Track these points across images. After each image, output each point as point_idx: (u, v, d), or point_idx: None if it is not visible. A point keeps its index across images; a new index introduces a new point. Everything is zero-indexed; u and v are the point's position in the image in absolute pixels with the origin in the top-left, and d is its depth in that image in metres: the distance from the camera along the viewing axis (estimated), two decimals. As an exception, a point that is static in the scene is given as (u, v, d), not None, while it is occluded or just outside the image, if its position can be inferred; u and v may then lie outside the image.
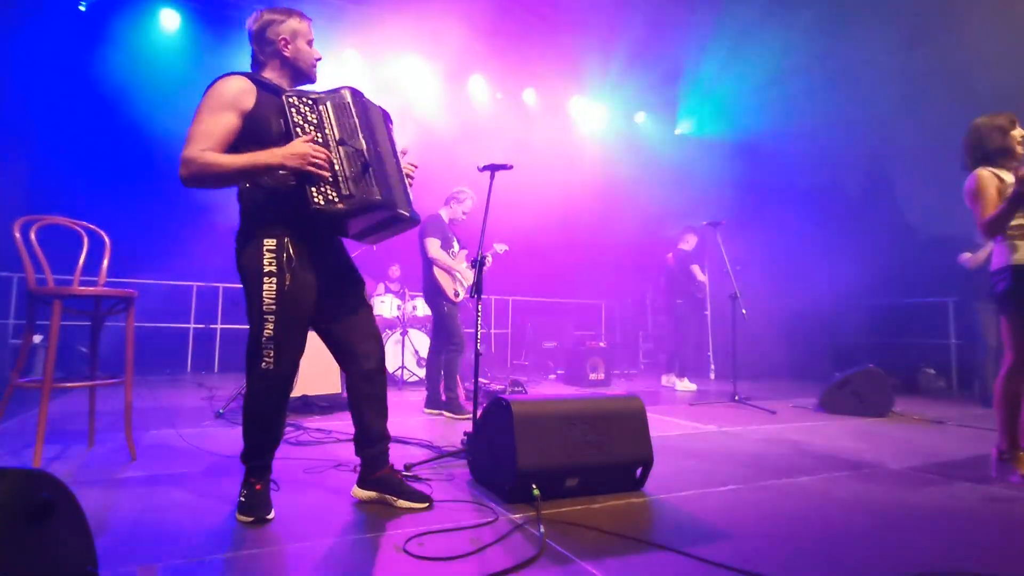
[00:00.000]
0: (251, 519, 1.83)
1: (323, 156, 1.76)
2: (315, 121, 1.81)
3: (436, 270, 4.12)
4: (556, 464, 2.11)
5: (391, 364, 5.65)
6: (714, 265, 6.36)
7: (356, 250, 5.25)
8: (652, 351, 8.82)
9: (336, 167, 1.79)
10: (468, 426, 3.09)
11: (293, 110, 1.79)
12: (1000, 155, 2.54)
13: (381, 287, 6.79)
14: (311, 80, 2.08)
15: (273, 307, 1.84)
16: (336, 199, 1.78)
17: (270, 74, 1.99)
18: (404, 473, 2.40)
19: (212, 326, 7.23)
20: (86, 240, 2.81)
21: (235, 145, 1.82)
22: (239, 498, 1.89)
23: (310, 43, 2.03)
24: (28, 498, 1.06)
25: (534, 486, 2.00)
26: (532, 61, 8.51)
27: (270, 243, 1.85)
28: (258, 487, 1.89)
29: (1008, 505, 2.20)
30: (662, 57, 8.29)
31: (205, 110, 1.80)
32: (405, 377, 5.90)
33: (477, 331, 2.88)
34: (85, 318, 2.75)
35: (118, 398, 3.04)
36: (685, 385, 6.16)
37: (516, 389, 4.89)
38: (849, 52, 7.25)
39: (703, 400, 5.26)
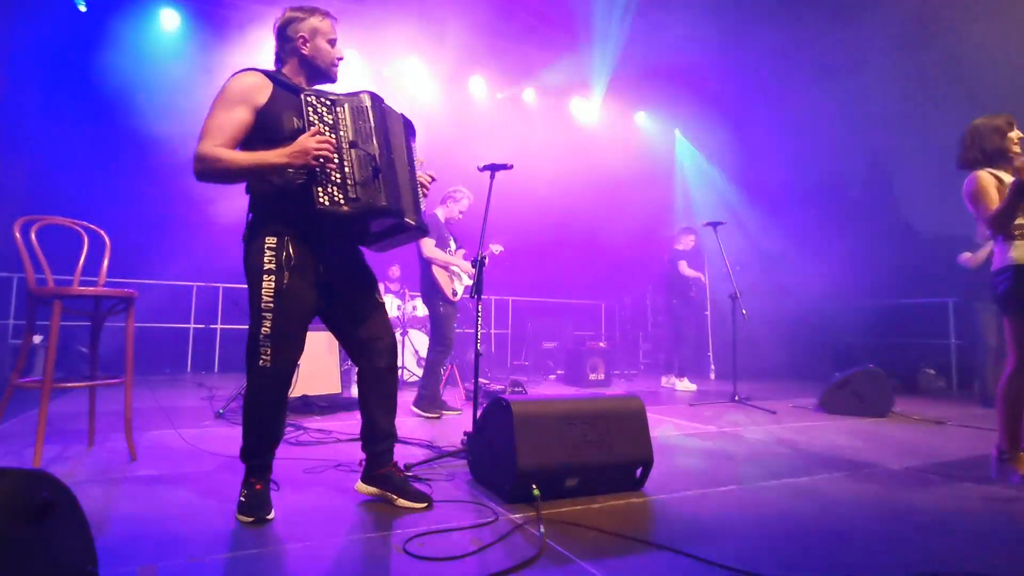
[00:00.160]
0: (251, 519, 1.83)
1: (328, 149, 1.75)
2: (331, 122, 1.81)
3: (434, 269, 4.12)
4: (556, 464, 2.11)
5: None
6: (714, 265, 6.36)
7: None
8: (652, 351, 8.82)
9: (346, 170, 1.78)
10: (467, 426, 3.09)
11: (310, 109, 1.79)
12: (998, 156, 2.54)
13: (381, 287, 6.79)
14: (330, 79, 2.07)
15: (271, 304, 1.85)
16: (342, 201, 1.77)
17: (289, 71, 2.00)
18: (404, 473, 2.40)
19: (212, 326, 7.23)
20: (86, 240, 2.81)
21: (246, 140, 1.83)
22: (240, 498, 1.89)
23: (331, 42, 2.02)
24: (28, 498, 1.06)
25: (534, 486, 2.00)
26: (532, 61, 8.51)
27: (271, 241, 1.86)
28: (258, 487, 1.89)
29: (1008, 505, 2.20)
30: (662, 57, 8.29)
31: (218, 105, 1.81)
32: (405, 377, 5.90)
33: (477, 331, 2.88)
34: (85, 318, 2.75)
35: (118, 398, 3.04)
36: (685, 385, 6.16)
37: (516, 389, 4.88)
38: (850, 52, 7.25)
39: (703, 400, 5.26)
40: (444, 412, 4.15)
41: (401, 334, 6.00)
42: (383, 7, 7.18)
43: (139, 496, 2.10)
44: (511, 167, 3.07)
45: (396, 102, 2.08)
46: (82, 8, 6.48)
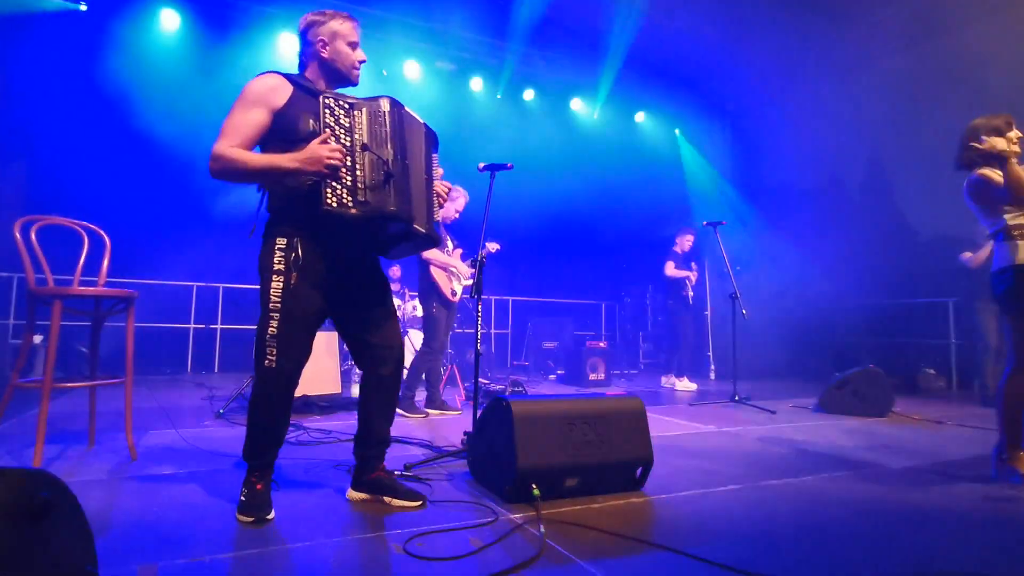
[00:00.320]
0: (251, 519, 1.83)
1: (339, 158, 1.74)
2: (347, 125, 1.80)
3: (433, 269, 4.12)
4: (556, 464, 2.11)
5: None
6: (714, 265, 6.36)
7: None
8: (652, 351, 8.82)
9: (357, 173, 1.78)
10: (467, 426, 3.09)
11: (327, 111, 1.78)
12: (996, 157, 2.54)
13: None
14: (351, 83, 2.07)
15: (278, 305, 1.85)
16: (350, 203, 1.77)
17: (311, 75, 2.02)
18: (404, 473, 2.40)
19: (212, 326, 7.23)
20: (86, 240, 2.81)
21: (264, 141, 1.86)
22: (240, 497, 1.89)
23: (352, 45, 2.02)
24: (28, 498, 1.06)
25: (534, 486, 2.00)
26: (532, 61, 8.51)
27: (281, 242, 1.87)
28: (259, 486, 1.90)
29: (1008, 505, 2.20)
30: (662, 57, 8.29)
31: (237, 106, 1.84)
32: (405, 377, 5.89)
33: (477, 331, 2.88)
34: (85, 318, 2.75)
35: (118, 398, 3.04)
36: (685, 385, 6.16)
37: (516, 389, 4.89)
38: (850, 51, 7.25)
39: (703, 400, 5.26)
40: (444, 412, 4.15)
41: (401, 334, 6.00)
42: (383, 7, 7.19)
43: (139, 496, 2.10)
44: (511, 167, 3.07)
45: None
46: (82, 7, 6.48)
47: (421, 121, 2.03)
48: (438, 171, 2.11)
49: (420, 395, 4.30)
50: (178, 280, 7.02)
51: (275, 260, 1.86)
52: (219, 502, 2.05)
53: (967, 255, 5.05)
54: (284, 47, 7.31)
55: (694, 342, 6.43)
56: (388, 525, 1.86)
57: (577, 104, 9.34)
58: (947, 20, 6.35)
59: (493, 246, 4.46)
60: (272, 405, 1.91)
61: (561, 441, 2.14)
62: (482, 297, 2.83)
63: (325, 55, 1.99)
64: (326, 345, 4.43)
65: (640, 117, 9.79)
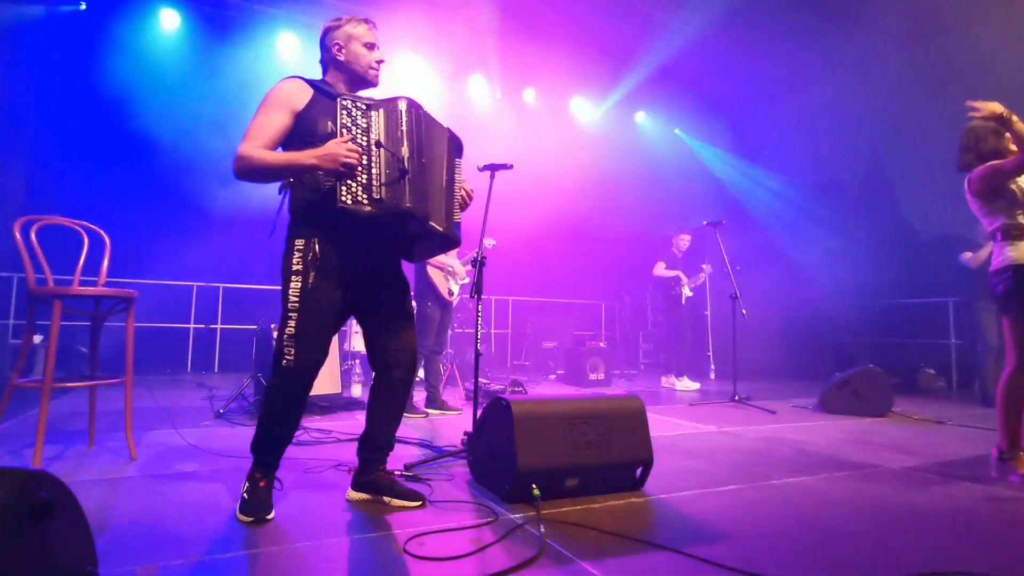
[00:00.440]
0: (250, 519, 1.83)
1: (355, 158, 1.75)
2: (364, 125, 1.81)
3: (430, 268, 4.13)
4: (556, 464, 2.11)
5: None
6: (714, 265, 6.37)
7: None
8: (652, 351, 8.82)
9: (373, 171, 1.78)
10: (467, 426, 3.09)
11: (344, 112, 1.80)
12: (995, 157, 2.54)
13: None
14: (370, 84, 2.09)
15: (296, 304, 1.87)
16: (364, 201, 1.77)
17: (331, 79, 2.06)
18: (404, 473, 2.40)
19: (212, 326, 7.23)
20: (86, 240, 2.81)
21: (286, 143, 1.90)
22: (243, 493, 1.89)
23: (369, 46, 2.04)
24: (28, 498, 1.06)
25: (534, 486, 2.00)
26: (532, 61, 8.52)
27: (299, 243, 1.90)
28: (262, 483, 1.90)
29: (1008, 505, 2.20)
30: (662, 57, 8.29)
31: (261, 109, 1.89)
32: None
33: (477, 331, 2.88)
34: (85, 318, 2.75)
35: (118, 398, 3.04)
36: (685, 384, 6.16)
37: (516, 389, 4.88)
38: (851, 51, 7.25)
39: (703, 400, 5.26)
40: (444, 412, 4.15)
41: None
42: (384, 7, 7.19)
43: (139, 496, 2.10)
44: (511, 167, 3.07)
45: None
46: (82, 7, 6.48)
47: (445, 126, 2.04)
48: (462, 176, 2.11)
49: (420, 395, 4.30)
50: (178, 280, 7.02)
51: (294, 261, 1.89)
52: (219, 502, 2.05)
53: (967, 255, 5.05)
54: (284, 47, 7.33)
55: (692, 341, 6.42)
56: (388, 525, 1.86)
57: (577, 104, 9.34)
58: (947, 20, 6.35)
59: (490, 241, 4.46)
60: (286, 403, 1.92)
61: (561, 441, 2.14)
62: (482, 297, 2.83)
63: (341, 58, 2.02)
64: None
65: (640, 117, 9.80)
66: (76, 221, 2.79)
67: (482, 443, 2.37)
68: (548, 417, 2.16)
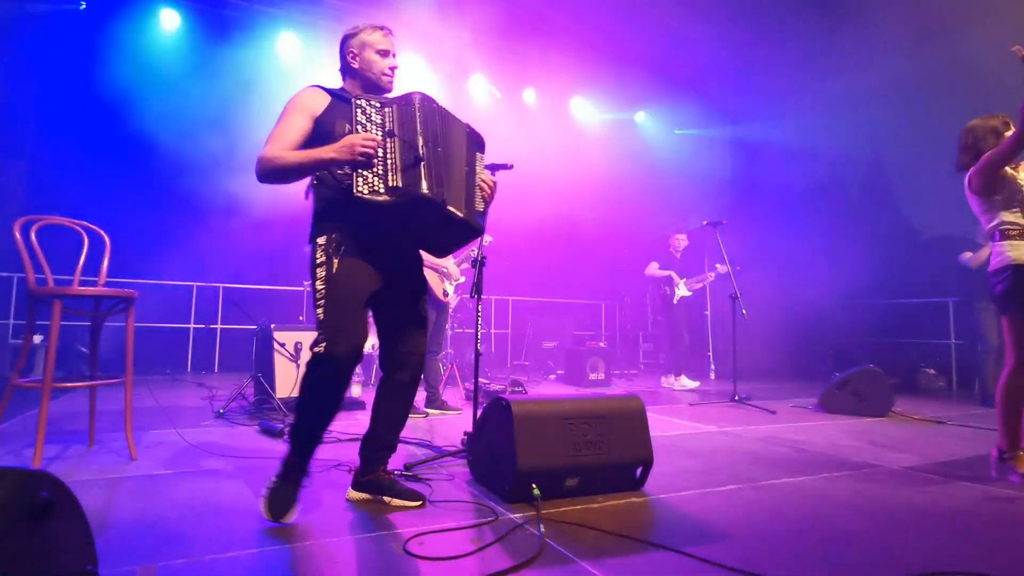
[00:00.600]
0: (271, 515, 1.83)
1: (372, 146, 1.76)
2: (379, 121, 1.83)
3: (424, 270, 4.13)
4: (556, 464, 2.11)
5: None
6: (713, 266, 6.37)
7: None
8: (652, 351, 8.82)
9: (388, 161, 1.79)
10: (467, 426, 3.09)
11: (359, 111, 1.82)
12: None
13: None
14: (383, 90, 2.11)
15: (323, 291, 1.88)
16: (380, 189, 1.78)
17: (348, 86, 2.10)
18: (404, 473, 2.40)
19: (212, 326, 7.23)
20: (86, 240, 2.81)
21: (306, 146, 1.92)
22: (269, 487, 1.87)
23: (382, 53, 2.07)
24: (28, 498, 1.06)
25: (534, 486, 2.00)
26: (532, 61, 8.51)
27: (321, 240, 1.92)
28: (290, 483, 1.88)
29: (1008, 505, 2.20)
30: (662, 56, 8.29)
31: (281, 116, 1.95)
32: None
33: (477, 331, 2.88)
34: (85, 318, 2.75)
35: (118, 398, 3.04)
36: (683, 383, 6.17)
37: (516, 389, 4.88)
38: (851, 51, 7.25)
39: (703, 400, 5.26)
40: (444, 412, 4.15)
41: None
42: (384, 7, 7.19)
43: (139, 496, 2.10)
44: (511, 167, 3.06)
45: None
46: (82, 6, 6.48)
47: (464, 122, 2.06)
48: (484, 171, 2.11)
49: (420, 395, 4.30)
50: (178, 280, 7.02)
51: (317, 256, 1.90)
52: (219, 502, 2.05)
53: (967, 255, 5.05)
54: (284, 47, 7.32)
55: (689, 340, 6.42)
56: (388, 525, 1.86)
57: (577, 104, 9.34)
58: (948, 21, 6.35)
59: (487, 238, 4.46)
60: (319, 393, 1.88)
61: (561, 441, 2.14)
62: (482, 297, 2.83)
63: (356, 66, 2.07)
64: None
65: (640, 117, 9.80)
66: (76, 221, 2.79)
67: (482, 443, 2.37)
68: (548, 417, 2.16)
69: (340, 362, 1.85)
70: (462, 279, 4.71)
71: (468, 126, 2.08)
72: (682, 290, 6.32)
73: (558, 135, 8.89)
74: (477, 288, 2.82)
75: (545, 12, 7.53)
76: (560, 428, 2.16)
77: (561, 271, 9.25)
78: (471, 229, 2.02)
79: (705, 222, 5.54)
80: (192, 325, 7.12)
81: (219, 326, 7.26)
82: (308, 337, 4.28)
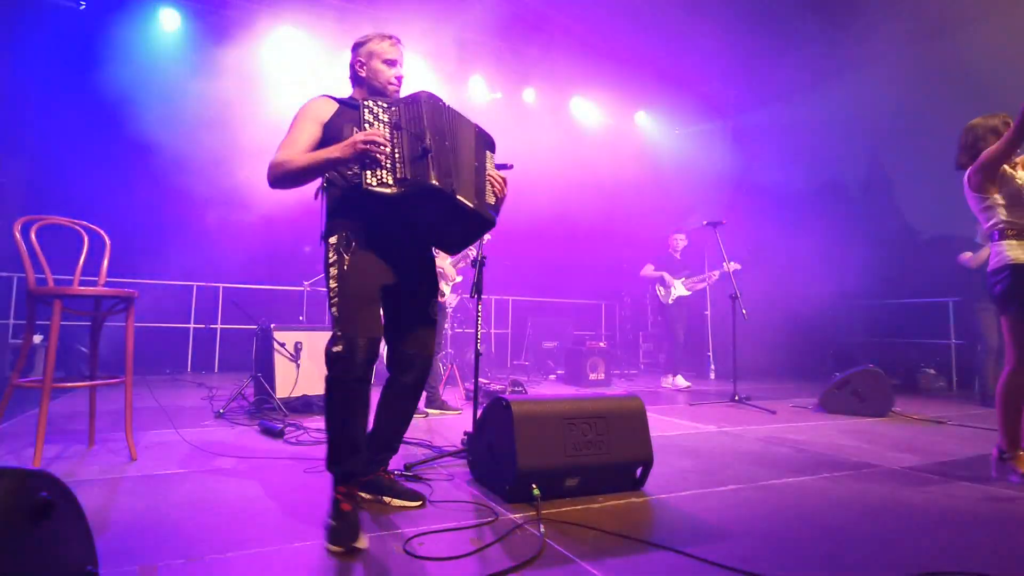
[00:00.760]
0: (339, 548, 1.63)
1: (376, 139, 1.76)
2: (385, 120, 1.85)
3: None
4: (556, 464, 2.11)
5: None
6: (714, 265, 6.37)
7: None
8: (652, 351, 8.82)
9: (397, 154, 1.80)
10: (467, 426, 3.09)
11: (367, 111, 1.83)
12: None
13: None
14: (390, 98, 2.12)
15: (336, 288, 1.87)
16: (390, 181, 1.78)
17: (356, 94, 2.12)
18: (404, 473, 2.40)
19: (212, 326, 7.23)
20: (86, 240, 2.81)
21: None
22: (328, 519, 1.73)
23: (389, 63, 2.08)
24: (28, 498, 1.06)
25: (534, 486, 2.00)
26: (532, 61, 8.51)
27: (333, 240, 1.92)
28: (346, 507, 1.73)
29: (1008, 505, 2.20)
30: (662, 56, 8.29)
31: (292, 124, 1.97)
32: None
33: (477, 331, 2.88)
34: (85, 318, 2.75)
35: (118, 398, 3.04)
36: (679, 381, 6.19)
37: (516, 389, 4.88)
38: (851, 51, 7.25)
39: (703, 400, 5.26)
40: (444, 412, 4.15)
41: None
42: (383, 7, 7.19)
43: (139, 496, 2.10)
44: (511, 167, 3.05)
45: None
46: (82, 6, 6.48)
47: (472, 122, 2.06)
48: (494, 168, 2.10)
49: None
50: (178, 280, 7.02)
51: (330, 255, 1.90)
52: (219, 502, 2.05)
53: (966, 255, 5.06)
54: (284, 47, 7.31)
55: (685, 340, 6.42)
56: (388, 525, 1.86)
57: (577, 104, 9.34)
58: (948, 20, 6.35)
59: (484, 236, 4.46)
60: (346, 397, 1.81)
61: (561, 441, 2.14)
62: (482, 297, 2.83)
63: (363, 75, 2.09)
64: (321, 344, 4.43)
65: (640, 117, 9.80)
66: (76, 221, 2.79)
67: (482, 443, 2.37)
68: (548, 417, 2.16)
69: (360, 357, 1.80)
70: (459, 279, 4.71)
71: (477, 126, 2.09)
72: (679, 289, 6.32)
73: (558, 135, 8.88)
74: (477, 288, 2.82)
75: (545, 12, 7.53)
76: (560, 428, 2.16)
77: (561, 271, 9.25)
78: (483, 220, 1.99)
79: (705, 222, 5.54)
80: (192, 325, 7.12)
81: (219, 326, 7.26)
82: (308, 337, 4.29)
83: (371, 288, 1.90)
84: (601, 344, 6.48)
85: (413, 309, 2.08)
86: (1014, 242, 2.46)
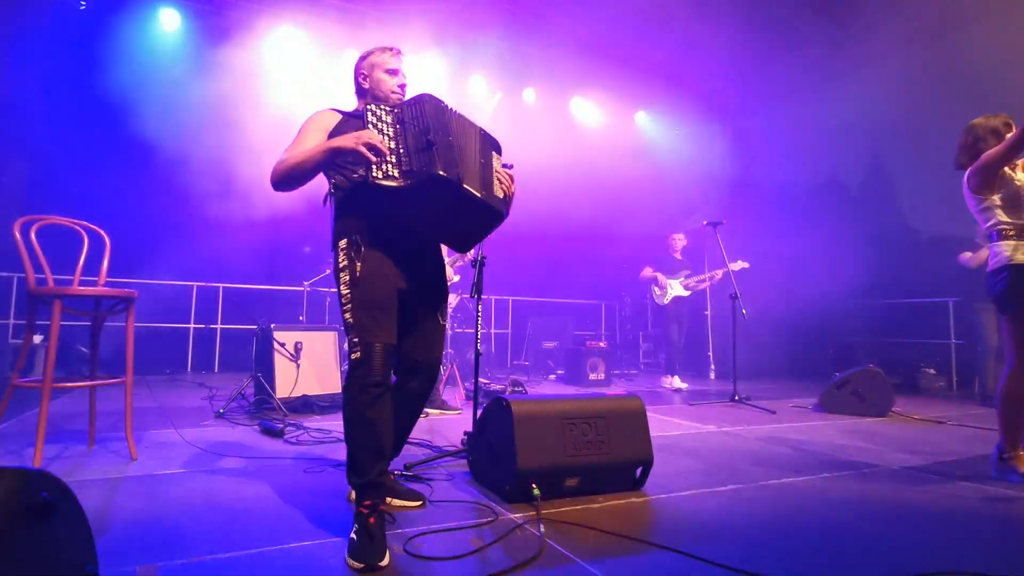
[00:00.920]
0: (361, 566, 1.53)
1: (379, 138, 1.76)
2: (389, 120, 1.86)
3: None
4: (556, 464, 2.11)
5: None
6: (714, 265, 6.37)
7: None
8: (652, 351, 8.82)
9: (401, 149, 1.81)
10: (467, 426, 3.09)
11: (370, 113, 1.84)
12: None
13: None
14: None
15: (348, 295, 1.85)
16: (396, 174, 1.78)
17: (360, 106, 2.13)
18: (404, 473, 2.40)
19: (212, 326, 7.23)
20: (86, 240, 2.81)
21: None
22: (351, 534, 1.65)
23: (391, 72, 2.11)
24: (28, 498, 1.06)
25: (534, 486, 2.00)
26: (532, 61, 8.51)
27: (343, 243, 1.90)
28: (371, 520, 1.65)
29: (1008, 505, 2.20)
30: (662, 56, 8.29)
31: (298, 133, 1.98)
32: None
33: (477, 331, 2.88)
34: (85, 318, 2.75)
35: (118, 398, 3.04)
36: (675, 383, 6.19)
37: (516, 389, 4.88)
38: (851, 51, 7.25)
39: (703, 400, 5.26)
40: (444, 412, 4.15)
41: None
42: (383, 7, 7.19)
43: (139, 496, 2.10)
44: (511, 167, 3.05)
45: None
46: (82, 6, 6.48)
47: (477, 124, 2.06)
48: (500, 168, 2.10)
49: None
50: (178, 280, 7.02)
51: (340, 260, 1.89)
52: (218, 502, 2.05)
53: (966, 255, 5.05)
54: (285, 48, 7.31)
55: (681, 340, 6.42)
56: (388, 525, 1.86)
57: (577, 104, 9.34)
58: (948, 21, 6.35)
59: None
60: (364, 402, 1.76)
61: (561, 441, 2.14)
62: (482, 297, 2.83)
63: (367, 86, 2.11)
64: (326, 345, 4.44)
65: (640, 117, 9.79)
66: (76, 221, 2.79)
67: (482, 443, 2.37)
68: (548, 417, 2.16)
69: (377, 362, 1.78)
70: (456, 278, 4.70)
71: (482, 128, 2.09)
72: (676, 290, 6.32)
73: (558, 135, 8.88)
74: (477, 288, 2.81)
75: (545, 12, 7.53)
76: (560, 428, 2.16)
77: (561, 271, 9.25)
78: (493, 212, 1.97)
79: (705, 222, 5.54)
80: (192, 325, 7.12)
81: (219, 326, 7.26)
82: (308, 337, 4.29)
83: (384, 292, 1.88)
84: (601, 344, 6.48)
85: (423, 316, 2.05)
86: (1013, 242, 2.46)
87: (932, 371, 6.26)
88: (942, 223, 6.30)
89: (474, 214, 1.97)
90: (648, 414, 2.40)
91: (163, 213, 6.69)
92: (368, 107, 1.85)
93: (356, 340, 1.80)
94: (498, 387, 5.00)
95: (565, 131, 9.10)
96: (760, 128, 9.02)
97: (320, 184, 2.05)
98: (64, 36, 6.38)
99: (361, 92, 2.14)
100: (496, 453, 2.21)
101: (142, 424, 3.38)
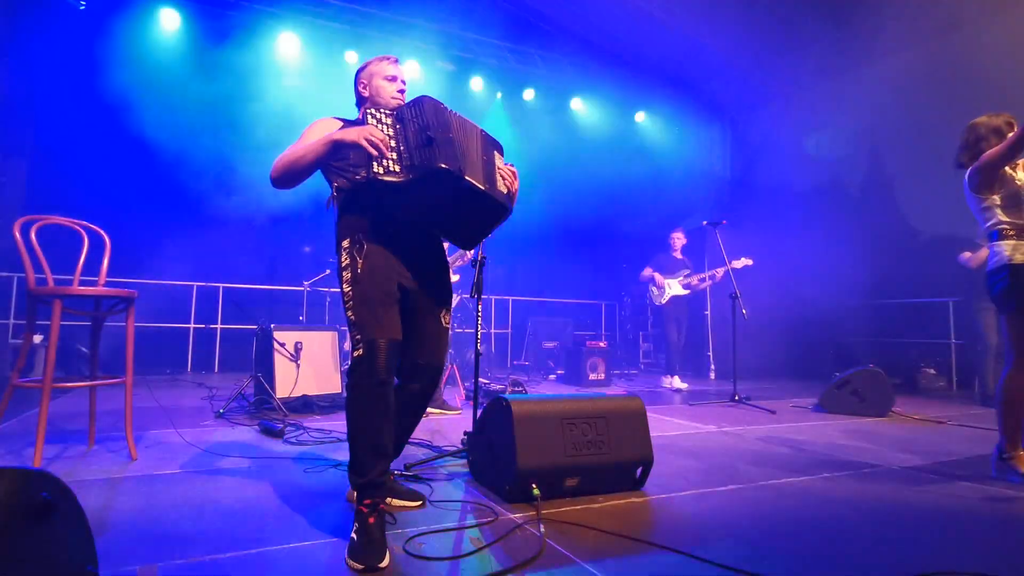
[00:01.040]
0: (361, 567, 1.53)
1: (380, 134, 1.77)
2: (388, 122, 1.87)
3: None
4: (556, 464, 2.11)
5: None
6: (714, 265, 6.37)
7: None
8: (652, 351, 8.82)
9: (402, 146, 1.81)
10: (467, 426, 3.09)
11: (370, 116, 1.85)
12: None
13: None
14: None
15: (350, 292, 1.84)
16: (397, 169, 1.78)
17: (362, 116, 2.12)
18: (404, 473, 2.40)
19: (212, 326, 7.23)
20: (86, 240, 2.81)
21: (322, 169, 1.99)
22: (351, 534, 1.65)
23: (389, 79, 2.11)
24: (28, 498, 1.06)
25: (534, 486, 2.00)
26: (532, 61, 8.52)
27: (346, 243, 1.90)
28: (371, 519, 1.65)
29: (1008, 505, 2.20)
30: (662, 56, 8.29)
31: (298, 140, 1.98)
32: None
33: (477, 331, 2.88)
34: (85, 318, 2.75)
35: (118, 398, 3.04)
36: (675, 383, 6.19)
37: (516, 389, 4.88)
38: (852, 51, 7.25)
39: (703, 400, 5.26)
40: (444, 412, 4.15)
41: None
42: (383, 8, 7.19)
43: (139, 496, 2.10)
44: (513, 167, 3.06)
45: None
46: (82, 6, 6.48)
47: (479, 127, 2.05)
48: (503, 166, 2.09)
49: None
50: (178, 280, 7.02)
51: (343, 259, 1.89)
52: (218, 502, 2.05)
53: (966, 255, 5.05)
54: (285, 48, 7.32)
55: (680, 340, 6.42)
56: (388, 525, 1.86)
57: (577, 104, 9.34)
58: (949, 20, 6.35)
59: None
60: (366, 400, 1.75)
61: (561, 441, 2.14)
62: (482, 297, 2.82)
63: (367, 95, 2.13)
64: (326, 345, 4.44)
65: (640, 117, 9.80)
66: (76, 221, 2.79)
67: (482, 443, 2.37)
68: (548, 417, 2.16)
69: (381, 359, 1.76)
70: (456, 278, 4.70)
71: (484, 130, 2.08)
72: (675, 289, 6.31)
73: (558, 135, 8.88)
74: (477, 288, 2.81)
75: (545, 12, 7.53)
76: (560, 428, 2.16)
77: (561, 271, 9.25)
78: (497, 205, 1.94)
79: (705, 222, 5.54)
80: (192, 325, 7.12)
81: (219, 326, 7.26)
82: (308, 337, 4.29)
83: (387, 288, 1.86)
84: (601, 344, 6.48)
85: (425, 318, 2.02)
86: (1013, 242, 2.46)
87: (932, 371, 6.26)
88: (942, 223, 6.29)
89: (478, 208, 1.93)
90: (648, 414, 2.40)
91: (163, 213, 6.69)
92: (368, 110, 1.86)
93: (359, 337, 1.79)
94: (498, 387, 5.00)
95: (565, 131, 9.10)
96: (760, 128, 9.02)
97: (322, 184, 2.05)
98: (64, 36, 6.38)
99: (361, 101, 2.15)
100: (496, 453, 2.21)
101: (142, 424, 3.38)
